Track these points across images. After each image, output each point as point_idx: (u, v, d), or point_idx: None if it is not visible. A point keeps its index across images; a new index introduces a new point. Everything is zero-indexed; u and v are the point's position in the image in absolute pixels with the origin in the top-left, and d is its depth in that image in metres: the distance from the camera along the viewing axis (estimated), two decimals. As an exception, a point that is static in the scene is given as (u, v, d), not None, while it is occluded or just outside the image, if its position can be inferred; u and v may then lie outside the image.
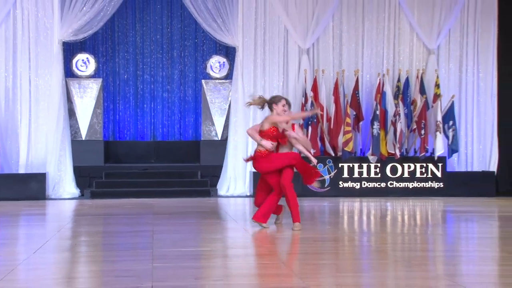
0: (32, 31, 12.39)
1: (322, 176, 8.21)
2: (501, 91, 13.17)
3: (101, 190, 12.24)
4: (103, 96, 13.47)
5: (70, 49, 13.56)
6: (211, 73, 13.51)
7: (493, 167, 13.02)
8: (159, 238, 7.08)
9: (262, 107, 7.72)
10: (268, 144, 7.56)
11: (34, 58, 12.40)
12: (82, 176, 12.69)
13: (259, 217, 7.64)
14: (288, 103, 7.71)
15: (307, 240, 7.10)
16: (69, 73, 13.30)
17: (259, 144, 7.60)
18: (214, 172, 12.97)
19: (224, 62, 13.54)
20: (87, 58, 13.31)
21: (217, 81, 13.46)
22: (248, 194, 12.46)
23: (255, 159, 7.63)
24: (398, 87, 12.77)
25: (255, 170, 8.29)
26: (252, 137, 7.73)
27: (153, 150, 14.15)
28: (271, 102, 7.65)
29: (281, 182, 7.55)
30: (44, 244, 6.68)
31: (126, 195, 12.04)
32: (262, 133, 7.60)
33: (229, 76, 13.49)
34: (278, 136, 7.63)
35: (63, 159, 12.36)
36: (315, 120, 12.21)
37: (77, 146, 12.88)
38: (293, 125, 7.91)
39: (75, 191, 12.34)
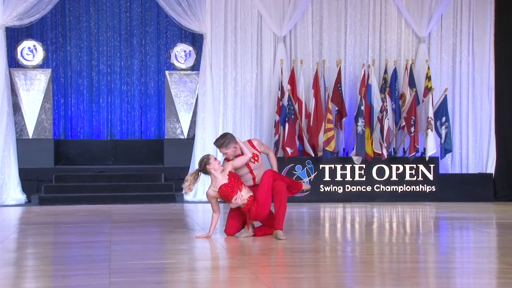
0: (-29, 14, 12.23)
1: (306, 186, 8.29)
2: (499, 84, 13.29)
3: (50, 196, 12.13)
4: (52, 89, 13.34)
5: (14, 36, 13.40)
6: (176, 63, 13.46)
7: (491, 168, 13.16)
8: (117, 250, 7.02)
9: (198, 175, 7.82)
10: (237, 202, 7.71)
11: (-27, 46, 12.24)
12: (29, 179, 12.55)
13: (282, 225, 7.75)
14: (220, 146, 7.85)
15: (284, 251, 7.10)
16: (13, 62, 13.14)
17: (239, 192, 7.68)
18: (180, 175, 12.92)
19: (190, 51, 13.50)
20: (34, 45, 13.16)
21: (182, 72, 13.42)
22: (219, 199, 12.41)
23: (250, 216, 7.74)
24: (385, 79, 12.85)
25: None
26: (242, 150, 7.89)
27: (110, 150, 14.05)
28: (204, 168, 7.77)
29: (277, 189, 7.67)
30: (-14, 258, 6.59)
31: (79, 201, 11.95)
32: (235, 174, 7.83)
33: (196, 67, 13.44)
34: (253, 157, 7.93)
35: (7, 161, 12.22)
36: (292, 116, 12.23)
37: (23, 145, 12.74)
38: (250, 141, 8.09)
39: (21, 197, 12.21)
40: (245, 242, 7.62)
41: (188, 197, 12.25)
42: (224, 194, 7.69)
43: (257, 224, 8.06)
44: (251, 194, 7.75)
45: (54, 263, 6.55)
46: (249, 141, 8.13)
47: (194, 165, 12.60)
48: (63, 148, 13.76)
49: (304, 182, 8.11)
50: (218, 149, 8.06)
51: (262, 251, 7.14)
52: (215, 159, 7.84)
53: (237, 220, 7.93)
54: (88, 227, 9.03)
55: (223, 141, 7.90)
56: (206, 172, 7.80)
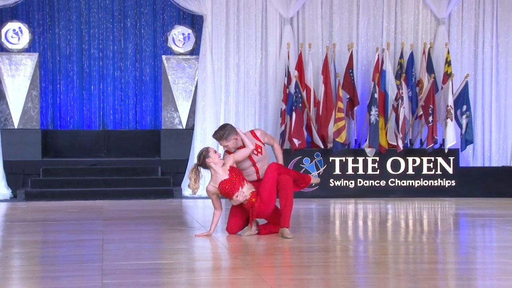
0: (-48, -6, 12.25)
1: (315, 179, 8.28)
2: (525, 70, 13.27)
3: (38, 191, 12.15)
4: (39, 75, 13.35)
5: (-2, 17, 13.41)
6: (174, 48, 13.45)
7: (515, 161, 13.17)
8: (110, 249, 7.03)
9: (198, 170, 7.82)
10: (239, 198, 7.70)
11: (-46, 28, 12.26)
12: (15, 173, 12.58)
13: (288, 223, 7.74)
14: (220, 139, 7.84)
15: (291, 251, 7.10)
16: (-3, 46, 13.16)
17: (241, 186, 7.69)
18: (178, 168, 12.94)
19: (189, 34, 13.48)
20: (19, 27, 13.16)
21: (180, 57, 13.41)
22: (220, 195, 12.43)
23: (253, 213, 7.74)
24: (400, 64, 12.83)
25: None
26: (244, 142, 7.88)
27: (102, 141, 14.07)
28: (203, 162, 7.77)
29: (282, 183, 7.66)
30: (-32, 257, 6.61)
31: (69, 197, 11.97)
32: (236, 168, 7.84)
33: (195, 51, 13.43)
34: (257, 149, 7.90)
35: (-9, 153, 12.25)
36: (300, 105, 12.23)
37: (8, 136, 12.76)
38: (252, 132, 8.08)
39: (6, 192, 12.24)
40: (249, 241, 7.63)
41: (187, 192, 12.26)
42: (225, 191, 7.69)
43: (262, 221, 8.07)
44: (254, 190, 7.73)
45: (42, 263, 6.56)
46: (252, 132, 8.12)
47: (194, 157, 12.59)
48: (51, 139, 13.77)
49: (312, 175, 8.09)
50: (217, 142, 8.05)
51: (267, 251, 7.14)
52: (215, 152, 7.82)
53: (240, 217, 7.94)
54: (79, 225, 9.03)
55: (223, 133, 7.87)
56: (206, 166, 7.79)
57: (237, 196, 7.69)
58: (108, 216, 9.84)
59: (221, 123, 12.45)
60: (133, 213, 10.32)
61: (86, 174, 12.76)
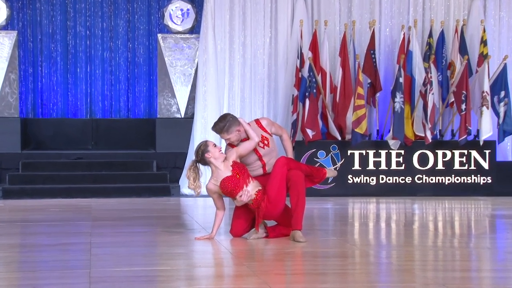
0: None
1: (331, 172, 8.24)
2: None
3: (17, 187, 12.18)
4: (18, 56, 13.37)
5: (-28, -9, 13.42)
6: (171, 25, 13.44)
7: (560, 155, 13.14)
8: (98, 254, 7.04)
9: (197, 167, 7.84)
10: (243, 198, 7.70)
11: None
12: (-9, 167, 12.64)
13: (300, 225, 7.75)
14: (221, 131, 7.84)
15: (304, 256, 7.10)
16: (-29, 24, 13.18)
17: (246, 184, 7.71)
18: (176, 162, 12.95)
19: (188, 10, 13.48)
20: (-4, 3, 13.18)
21: (178, 36, 13.40)
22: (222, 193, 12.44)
23: (260, 214, 7.75)
24: (429, 44, 12.80)
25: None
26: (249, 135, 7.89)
27: (90, 131, 14.09)
28: (202, 157, 7.77)
29: (293, 180, 7.66)
30: None
31: (52, 194, 11.99)
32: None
33: (195, 29, 13.42)
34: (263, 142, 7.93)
35: (-36, 144, 12.29)
36: (314, 91, 12.22)
37: (-16, 126, 12.81)
38: (257, 121, 8.08)
39: (-19, 189, 12.28)
40: (255, 245, 7.63)
41: (186, 189, 12.28)
42: (227, 190, 7.68)
43: (271, 223, 8.07)
44: (260, 188, 7.72)
45: (22, 269, 6.57)
46: (257, 121, 8.09)
47: (193, 150, 12.58)
48: (32, 129, 13.79)
49: (328, 168, 8.04)
50: (218, 135, 8.04)
51: (276, 256, 7.14)
52: (215, 145, 7.81)
53: (245, 218, 7.93)
54: (63, 226, 9.04)
55: (223, 124, 7.83)
56: (205, 162, 7.78)
57: (240, 196, 7.67)
58: (96, 216, 9.85)
59: (225, 111, 12.46)
60: (124, 213, 10.33)
61: (71, 168, 12.77)
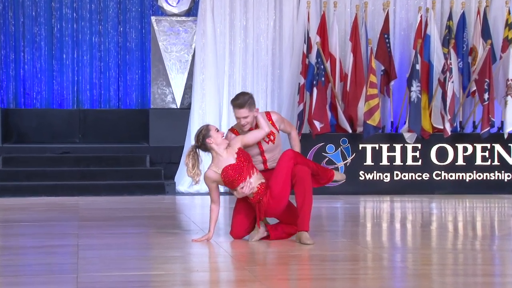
0: None
1: (339, 175, 8.22)
2: None
3: (-3, 185, 12.20)
4: (-1, 41, 13.38)
5: None
6: (166, 7, 13.43)
7: None
8: (86, 257, 7.05)
9: (196, 153, 7.84)
10: (245, 190, 7.70)
11: None
12: (-31, 163, 12.64)
13: (307, 226, 7.75)
14: (242, 106, 7.84)
15: (311, 260, 7.11)
16: None
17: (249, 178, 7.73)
18: (171, 157, 12.94)
19: (185, -10, 13.48)
20: (-26, -18, 13.18)
21: (174, 18, 13.39)
22: (222, 190, 12.43)
23: (260, 209, 7.73)
24: (449, 28, 12.77)
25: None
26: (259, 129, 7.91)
27: (77, 123, 14.09)
28: (202, 142, 7.76)
29: (299, 175, 7.65)
30: None
31: (36, 192, 12.00)
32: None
33: (192, 12, 13.42)
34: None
35: None
36: (322, 79, 12.21)
37: (-39, 117, 12.82)
38: (268, 113, 8.16)
39: (-42, 186, 12.29)
40: (257, 247, 7.63)
41: (182, 187, 12.28)
42: (229, 179, 7.66)
43: (272, 221, 8.06)
44: (263, 181, 7.73)
45: (4, 274, 6.56)
46: (267, 114, 8.11)
47: (190, 143, 12.59)
48: (13, 121, 13.80)
49: (336, 170, 8.03)
50: (236, 111, 7.89)
51: (281, 260, 7.14)
52: (217, 130, 7.79)
53: (246, 214, 7.86)
54: (48, 227, 9.05)
55: (247, 98, 7.84)
56: (206, 148, 7.76)
57: (242, 187, 7.66)
58: (84, 216, 9.85)
59: (225, 101, 12.50)
60: (115, 212, 10.34)
61: (56, 164, 12.77)
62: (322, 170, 8.02)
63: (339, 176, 8.21)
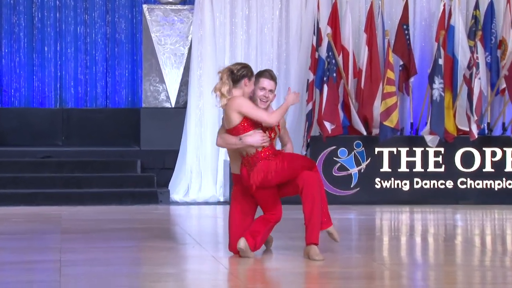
0: None
1: (333, 232, 8.17)
2: None
3: (-29, 193, 12.20)
4: (-26, 32, 13.40)
5: None
6: (159, -6, 13.46)
7: None
8: (70, 274, 7.04)
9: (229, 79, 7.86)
10: (256, 137, 7.70)
11: None
12: None
13: (317, 238, 7.71)
14: (273, 79, 7.93)
15: (321, 277, 7.10)
16: None
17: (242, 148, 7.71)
18: (165, 162, 12.93)
19: (180, -25, 13.49)
20: None
21: (168, 7, 13.39)
22: (222, 199, 12.44)
23: (260, 172, 7.72)
24: (475, 18, 12.75)
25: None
26: (227, 145, 7.88)
27: (60, 124, 14.09)
28: (239, 74, 7.81)
29: (309, 181, 7.65)
30: None
31: (14, 201, 12.00)
32: (232, 131, 7.79)
33: (188, 0, 13.39)
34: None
35: None
36: (334, 75, 12.19)
37: None
38: None
39: None
40: (260, 263, 7.62)
41: (177, 196, 12.27)
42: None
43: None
44: (278, 149, 7.86)
45: (-23, 293, 6.59)
46: None
47: (186, 146, 12.62)
48: (-11, 121, 13.83)
49: (333, 228, 7.97)
50: (264, 82, 7.89)
51: (287, 277, 7.12)
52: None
53: (243, 225, 7.86)
54: (28, 240, 9.04)
55: (274, 73, 8.04)
56: (236, 81, 7.77)
57: (254, 133, 7.71)
58: (67, 228, 9.84)
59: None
60: (102, 224, 10.33)
61: (37, 169, 12.77)
62: (324, 210, 7.96)
63: (335, 233, 8.06)
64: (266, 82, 7.87)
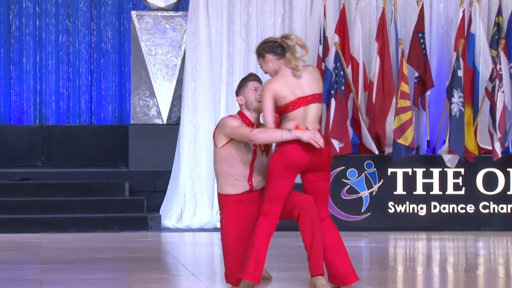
0: None
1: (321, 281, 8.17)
2: None
3: None
4: None
5: None
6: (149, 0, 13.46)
7: None
8: (50, 309, 7.04)
9: None
10: (307, 133, 7.97)
11: None
12: None
13: (322, 268, 7.71)
14: (259, 79, 8.32)
15: (330, 312, 7.09)
16: None
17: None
18: (155, 185, 12.93)
19: (172, -21, 13.52)
20: None
21: (160, 14, 13.41)
22: (218, 225, 12.39)
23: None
24: (498, 25, 12.77)
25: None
26: (269, 139, 7.96)
27: (40, 143, 14.10)
28: (265, 51, 8.34)
29: (306, 208, 7.68)
30: None
31: (-12, 228, 12.00)
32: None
33: (182, 6, 13.44)
34: None
35: None
36: (342, 88, 12.21)
37: None
38: None
39: None
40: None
41: (169, 221, 12.25)
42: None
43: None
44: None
45: None
46: None
47: (179, 167, 12.60)
48: (-38, 140, 13.83)
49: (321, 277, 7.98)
50: (256, 84, 8.39)
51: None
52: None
53: (240, 251, 7.82)
54: (4, 271, 9.01)
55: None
56: (260, 54, 8.31)
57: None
58: (48, 257, 9.83)
59: (222, 114, 12.49)
60: (86, 253, 10.32)
61: (14, 193, 12.75)
62: (320, 257, 7.89)
63: (322, 280, 8.02)
64: (257, 84, 8.39)
